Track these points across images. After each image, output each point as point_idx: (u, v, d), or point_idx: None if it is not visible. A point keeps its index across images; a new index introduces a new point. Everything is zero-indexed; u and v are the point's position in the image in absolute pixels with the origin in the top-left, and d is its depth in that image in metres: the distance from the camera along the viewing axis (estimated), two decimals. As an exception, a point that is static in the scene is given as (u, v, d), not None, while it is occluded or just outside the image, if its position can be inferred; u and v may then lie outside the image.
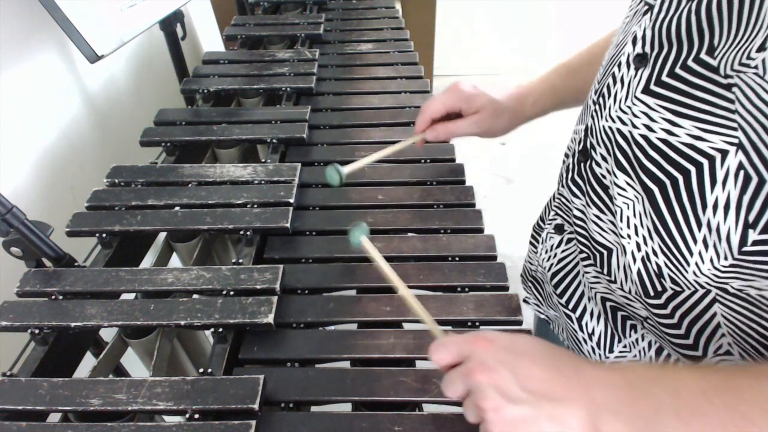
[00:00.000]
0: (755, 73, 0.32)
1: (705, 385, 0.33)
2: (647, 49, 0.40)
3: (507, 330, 0.54)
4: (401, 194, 0.70)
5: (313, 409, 0.51)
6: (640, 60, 0.41)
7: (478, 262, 0.61)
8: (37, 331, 0.53)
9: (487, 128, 0.63)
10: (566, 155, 0.55)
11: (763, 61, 0.31)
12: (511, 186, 2.09)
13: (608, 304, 0.53)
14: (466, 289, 0.58)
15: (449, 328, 0.55)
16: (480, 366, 0.36)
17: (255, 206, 0.66)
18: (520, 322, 0.55)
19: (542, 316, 0.67)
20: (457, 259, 0.61)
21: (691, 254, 0.39)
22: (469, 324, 0.55)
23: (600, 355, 0.56)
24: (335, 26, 1.15)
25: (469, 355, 0.37)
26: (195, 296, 0.58)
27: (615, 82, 0.43)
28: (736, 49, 0.33)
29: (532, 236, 0.67)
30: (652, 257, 0.43)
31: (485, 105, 0.63)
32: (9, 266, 0.61)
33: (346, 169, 0.61)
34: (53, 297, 0.57)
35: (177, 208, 0.66)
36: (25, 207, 0.56)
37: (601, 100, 0.45)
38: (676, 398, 0.33)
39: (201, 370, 0.50)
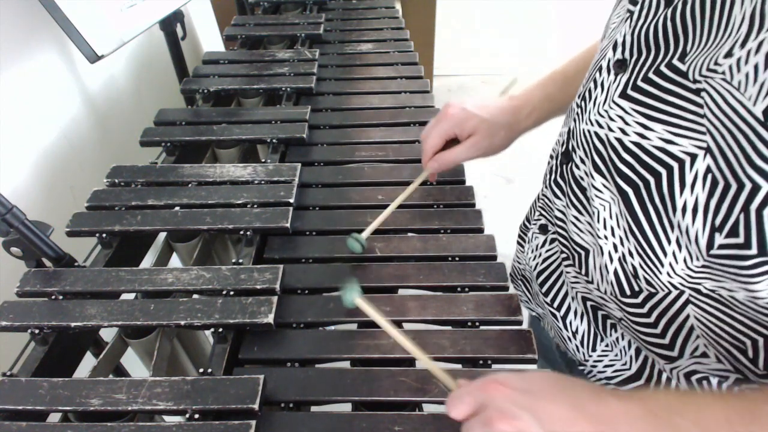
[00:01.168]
0: (723, 79, 0.32)
1: (729, 413, 0.33)
2: (626, 54, 0.41)
3: (507, 330, 0.54)
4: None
5: (313, 409, 0.51)
6: (620, 65, 0.41)
7: (478, 262, 0.61)
8: (37, 331, 0.53)
9: (485, 149, 0.62)
10: (551, 156, 0.55)
11: (731, 67, 0.31)
12: (511, 186, 2.09)
13: (588, 303, 0.54)
14: (466, 289, 0.58)
15: (449, 327, 0.55)
16: (500, 413, 0.34)
17: (255, 206, 0.66)
18: (519, 322, 0.55)
19: (533, 314, 0.68)
20: (457, 259, 0.61)
21: (665, 255, 0.40)
22: (469, 324, 0.55)
23: (584, 353, 0.56)
24: (335, 26, 1.15)
25: (486, 403, 0.36)
26: (195, 296, 0.58)
27: (596, 87, 0.44)
28: (705, 54, 0.33)
29: (519, 236, 0.67)
30: (628, 258, 0.43)
31: (478, 126, 0.61)
32: (9, 266, 0.61)
33: (365, 234, 0.61)
34: (53, 297, 0.57)
35: (177, 208, 0.66)
36: (25, 207, 0.56)
37: (582, 103, 0.46)
38: (699, 427, 0.33)
39: (201, 370, 0.50)
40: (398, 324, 0.56)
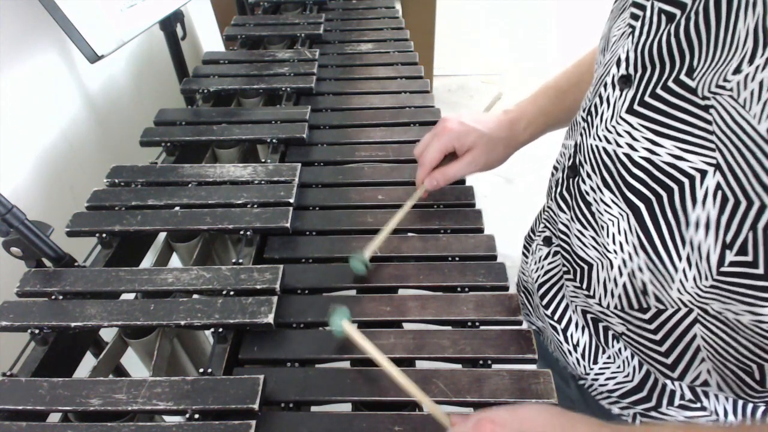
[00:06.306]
0: (730, 96, 0.32)
1: None
2: (631, 70, 0.40)
3: (507, 330, 0.54)
4: (401, 194, 0.70)
5: (313, 409, 0.51)
6: (625, 81, 0.41)
7: (478, 262, 0.61)
8: (37, 331, 0.53)
9: (483, 164, 0.62)
10: (555, 168, 0.55)
11: (738, 84, 0.31)
12: (511, 186, 2.09)
13: (589, 316, 0.53)
14: (466, 289, 0.58)
15: (449, 327, 0.55)
16: None
17: (255, 206, 0.66)
18: (519, 322, 0.55)
19: (533, 327, 0.67)
20: (457, 259, 0.61)
21: (676, 271, 0.39)
22: (469, 324, 0.55)
23: (584, 366, 0.56)
24: (335, 26, 1.15)
25: None
26: (195, 296, 0.58)
27: (602, 102, 0.44)
28: (714, 71, 0.33)
29: (524, 246, 0.67)
30: (638, 273, 0.43)
31: (477, 141, 0.61)
32: (9, 266, 0.61)
33: (367, 253, 0.59)
34: (53, 297, 0.57)
35: (177, 208, 0.66)
36: (25, 207, 0.56)
37: (589, 118, 0.46)
38: None
39: (201, 370, 0.50)
40: (398, 324, 0.56)
